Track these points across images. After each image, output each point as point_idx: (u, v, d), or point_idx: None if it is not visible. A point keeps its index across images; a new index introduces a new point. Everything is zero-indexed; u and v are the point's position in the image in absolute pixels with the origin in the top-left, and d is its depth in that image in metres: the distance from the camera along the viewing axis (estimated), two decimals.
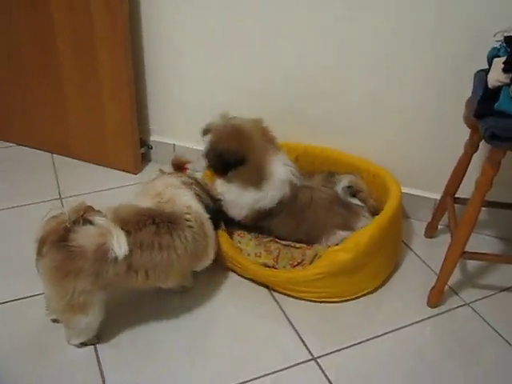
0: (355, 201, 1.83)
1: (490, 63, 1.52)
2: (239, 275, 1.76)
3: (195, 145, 2.25)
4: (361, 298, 1.70)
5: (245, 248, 1.81)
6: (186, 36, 2.07)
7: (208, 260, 1.63)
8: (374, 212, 1.82)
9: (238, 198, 1.77)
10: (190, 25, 2.04)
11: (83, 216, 1.36)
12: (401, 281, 1.79)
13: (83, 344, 1.51)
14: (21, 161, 2.38)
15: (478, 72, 1.60)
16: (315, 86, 1.98)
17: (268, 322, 1.62)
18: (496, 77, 1.42)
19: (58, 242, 1.33)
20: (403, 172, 1.94)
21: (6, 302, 1.64)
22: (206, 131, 1.78)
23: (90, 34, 2.04)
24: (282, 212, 1.76)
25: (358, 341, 1.57)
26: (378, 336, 1.58)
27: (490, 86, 1.44)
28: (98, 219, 1.37)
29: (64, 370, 1.45)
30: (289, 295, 1.69)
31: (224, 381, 1.43)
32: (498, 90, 1.41)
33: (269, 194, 1.74)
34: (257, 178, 1.72)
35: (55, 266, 1.34)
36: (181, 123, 2.27)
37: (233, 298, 1.69)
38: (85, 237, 1.34)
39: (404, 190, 1.88)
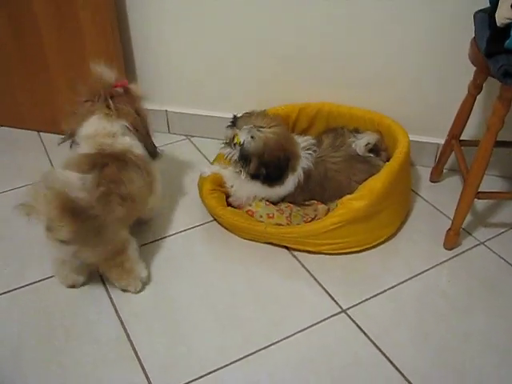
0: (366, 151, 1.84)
1: (491, 2, 1.52)
2: (257, 241, 1.76)
3: (189, 109, 2.22)
4: (378, 247, 1.72)
5: (256, 210, 1.78)
6: None
7: (157, 197, 1.72)
8: (387, 160, 1.83)
9: (255, 193, 1.79)
10: None
11: None
12: (414, 226, 1.81)
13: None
14: (7, 142, 2.29)
15: (477, 12, 1.60)
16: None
17: (292, 280, 1.63)
18: (504, 14, 1.41)
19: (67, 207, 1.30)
20: (404, 118, 1.92)
21: (21, 287, 1.61)
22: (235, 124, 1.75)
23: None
24: (297, 191, 1.77)
25: (384, 288, 1.59)
26: (402, 282, 1.60)
27: (498, 24, 1.43)
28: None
29: (94, 349, 1.44)
30: (308, 251, 1.70)
31: (255, 343, 1.44)
32: (506, 28, 1.41)
33: (289, 185, 1.75)
34: (286, 175, 1.74)
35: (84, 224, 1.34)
36: (171, 87, 2.21)
37: (254, 262, 1.69)
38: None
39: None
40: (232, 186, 1.82)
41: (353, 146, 1.83)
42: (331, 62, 1.96)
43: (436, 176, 1.98)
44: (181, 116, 2.23)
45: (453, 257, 1.69)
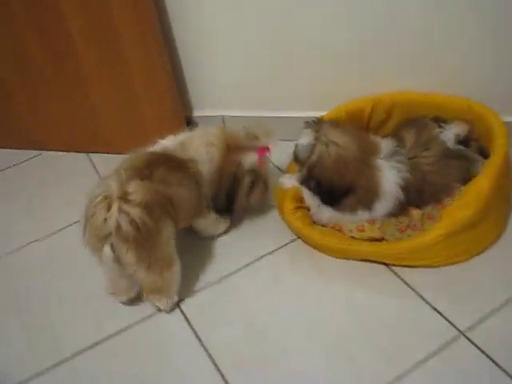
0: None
1: None
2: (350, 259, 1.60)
3: (248, 112, 2.05)
4: (485, 252, 1.54)
5: (344, 223, 1.63)
6: None
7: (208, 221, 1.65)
8: (482, 153, 1.65)
9: (334, 218, 1.62)
10: None
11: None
12: None
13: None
14: (57, 167, 2.17)
15: None
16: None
17: (396, 300, 1.47)
18: None
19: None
20: (493, 99, 1.71)
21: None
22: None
23: (106, 14, 1.78)
24: (395, 209, 1.59)
25: (502, 301, 1.42)
26: None
27: None
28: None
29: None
30: (407, 266, 1.53)
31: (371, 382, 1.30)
32: None
33: (380, 209, 1.57)
34: (366, 201, 1.55)
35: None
36: (225, 91, 2.04)
37: (351, 283, 1.54)
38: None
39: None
40: (309, 206, 1.66)
41: (441, 138, 1.65)
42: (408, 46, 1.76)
43: None
44: (239, 119, 2.06)
45: None
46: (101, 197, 1.29)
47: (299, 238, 1.68)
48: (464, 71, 1.76)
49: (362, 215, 1.59)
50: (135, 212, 1.27)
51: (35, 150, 2.25)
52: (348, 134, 1.54)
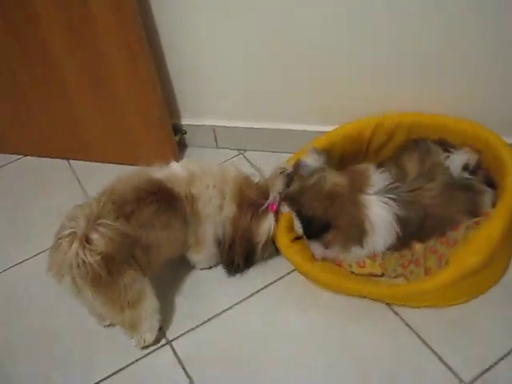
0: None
1: None
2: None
3: (239, 123, 1.93)
4: (488, 292, 1.48)
5: (343, 257, 1.56)
6: None
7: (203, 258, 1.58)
8: (489, 183, 1.58)
9: (325, 253, 1.54)
10: None
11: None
12: None
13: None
14: (37, 173, 2.06)
15: None
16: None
17: (398, 345, 1.40)
18: None
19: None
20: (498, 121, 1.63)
21: None
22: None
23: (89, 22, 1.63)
24: (392, 244, 1.50)
25: (507, 350, 1.37)
26: None
27: None
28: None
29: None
30: (409, 306, 1.47)
31: None
32: None
33: (375, 244, 1.48)
34: (354, 238, 1.46)
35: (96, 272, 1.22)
36: (216, 100, 1.91)
37: (350, 323, 1.47)
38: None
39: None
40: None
41: (446, 164, 1.56)
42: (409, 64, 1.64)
43: None
44: (229, 130, 1.95)
45: None
46: (67, 231, 1.23)
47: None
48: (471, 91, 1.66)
49: (357, 252, 1.51)
50: (92, 260, 1.20)
51: (15, 154, 2.14)
52: (345, 172, 1.51)
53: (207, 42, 1.75)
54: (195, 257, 1.56)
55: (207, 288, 1.60)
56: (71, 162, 2.07)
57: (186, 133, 2.00)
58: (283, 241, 1.55)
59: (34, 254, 1.76)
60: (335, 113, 1.77)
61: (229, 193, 1.49)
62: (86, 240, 1.21)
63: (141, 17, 1.65)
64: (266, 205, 1.50)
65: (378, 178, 1.50)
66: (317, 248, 1.54)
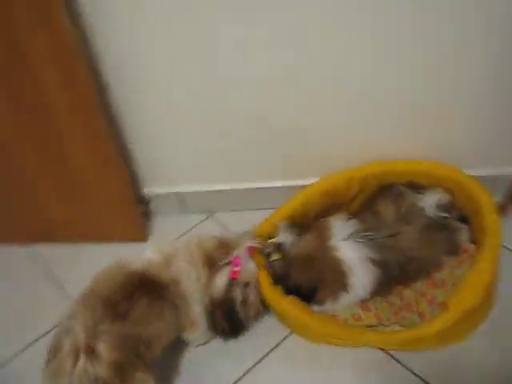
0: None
1: None
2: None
3: (204, 185, 1.90)
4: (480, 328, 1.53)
5: (339, 314, 1.56)
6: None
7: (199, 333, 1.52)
8: (463, 220, 1.65)
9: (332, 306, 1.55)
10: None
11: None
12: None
13: None
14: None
15: None
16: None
17: None
18: None
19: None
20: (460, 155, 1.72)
21: None
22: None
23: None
24: (375, 289, 1.53)
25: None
26: None
27: None
28: None
29: None
30: (407, 350, 1.50)
31: None
32: None
33: (358, 286, 1.50)
34: (338, 284, 1.50)
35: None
36: (177, 165, 1.85)
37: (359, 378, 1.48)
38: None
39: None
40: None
41: (420, 205, 1.62)
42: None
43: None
44: (195, 194, 1.91)
45: None
46: (68, 347, 1.18)
47: (292, 330, 1.59)
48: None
49: (345, 298, 1.52)
50: (104, 374, 1.16)
51: None
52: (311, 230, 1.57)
53: (160, 109, 1.70)
54: (191, 336, 1.51)
55: (204, 366, 1.55)
56: (34, 246, 1.95)
57: (149, 202, 1.94)
58: (274, 298, 1.52)
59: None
60: (302, 168, 1.80)
61: (198, 261, 1.46)
62: (92, 352, 1.16)
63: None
64: (226, 261, 1.47)
65: (340, 228, 1.54)
66: (314, 307, 1.54)
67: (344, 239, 1.51)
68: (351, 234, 1.52)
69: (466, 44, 1.48)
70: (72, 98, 1.53)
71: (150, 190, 1.92)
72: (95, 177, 1.72)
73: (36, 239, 1.94)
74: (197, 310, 1.44)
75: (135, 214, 1.84)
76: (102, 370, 1.16)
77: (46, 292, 1.79)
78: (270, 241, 1.56)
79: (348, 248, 1.50)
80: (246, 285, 1.49)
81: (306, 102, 1.63)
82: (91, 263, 1.81)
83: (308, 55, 1.52)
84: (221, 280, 1.43)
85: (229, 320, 1.47)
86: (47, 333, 1.64)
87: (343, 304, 1.54)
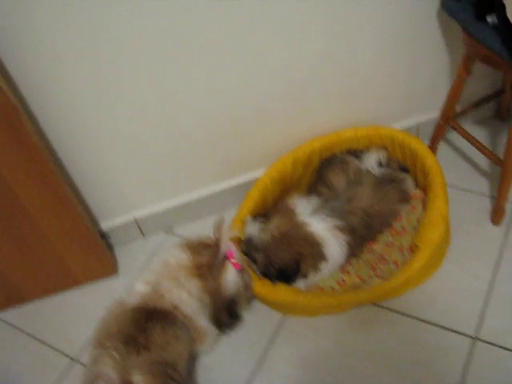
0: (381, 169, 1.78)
1: None
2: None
3: (161, 203, 1.93)
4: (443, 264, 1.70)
5: (324, 285, 1.68)
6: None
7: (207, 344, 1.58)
8: (403, 169, 1.81)
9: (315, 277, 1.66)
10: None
11: None
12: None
13: None
14: None
15: None
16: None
17: (412, 332, 1.57)
18: None
19: None
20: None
21: None
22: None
23: None
24: (349, 251, 1.66)
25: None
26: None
27: None
28: None
29: None
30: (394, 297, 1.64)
31: None
32: None
33: (335, 254, 1.63)
34: (317, 255, 1.61)
35: None
36: (128, 191, 1.86)
37: (360, 332, 1.59)
38: None
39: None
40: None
41: (364, 167, 1.77)
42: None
43: None
44: (149, 216, 1.94)
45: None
46: None
47: (288, 313, 1.68)
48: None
49: (326, 267, 1.64)
50: None
51: None
52: (276, 213, 1.65)
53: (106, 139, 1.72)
54: (203, 346, 1.55)
55: (220, 368, 1.60)
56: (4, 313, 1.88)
57: (108, 236, 1.94)
58: (266, 291, 1.60)
59: None
60: (244, 163, 1.90)
61: (184, 279, 1.48)
62: None
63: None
64: (223, 255, 1.50)
65: (302, 206, 1.67)
66: (300, 283, 1.65)
67: (310, 215, 1.63)
68: (314, 209, 1.65)
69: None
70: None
71: (106, 223, 1.92)
72: (47, 220, 1.68)
73: (3, 306, 1.88)
74: (202, 322, 1.49)
75: (101, 249, 1.83)
76: None
77: (33, 356, 1.74)
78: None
79: (316, 222, 1.62)
80: (244, 271, 1.55)
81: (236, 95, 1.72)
82: (68, 312, 1.82)
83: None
84: (231, 275, 1.48)
85: (230, 312, 1.53)
86: None
87: (325, 272, 1.66)
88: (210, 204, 1.95)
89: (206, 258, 1.49)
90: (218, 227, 1.54)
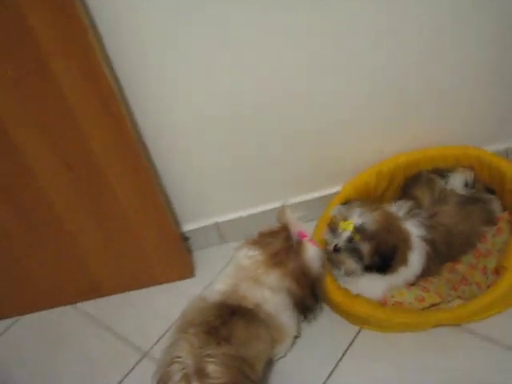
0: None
1: None
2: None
3: (241, 212, 1.96)
4: None
5: (403, 299, 1.63)
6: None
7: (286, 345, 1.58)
8: (489, 191, 1.78)
9: (384, 287, 1.65)
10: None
11: None
12: None
13: None
14: (45, 328, 1.91)
15: None
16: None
17: (487, 359, 1.50)
18: None
19: None
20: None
21: None
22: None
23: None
24: (428, 263, 1.63)
25: None
26: None
27: None
28: None
29: None
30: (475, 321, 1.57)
31: None
32: None
33: (414, 263, 1.60)
34: (403, 257, 1.58)
35: None
36: (211, 194, 1.91)
37: (439, 354, 1.53)
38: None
39: None
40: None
41: (450, 187, 1.74)
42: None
43: None
44: (232, 222, 1.98)
45: None
46: (177, 376, 1.19)
47: (361, 326, 1.65)
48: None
49: (402, 272, 1.60)
50: None
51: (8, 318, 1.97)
52: (371, 203, 1.64)
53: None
54: (281, 347, 1.55)
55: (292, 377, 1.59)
56: (78, 305, 1.96)
57: (188, 238, 1.99)
58: (344, 301, 1.61)
59: None
60: (333, 174, 1.90)
61: (258, 273, 1.46)
62: (204, 375, 1.17)
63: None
64: (297, 236, 1.47)
65: (397, 207, 1.65)
66: (380, 284, 1.63)
67: (405, 218, 1.62)
68: (407, 212, 1.64)
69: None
70: (113, 139, 1.60)
71: (188, 225, 1.97)
72: (137, 218, 1.77)
73: (81, 297, 1.96)
74: (285, 319, 1.49)
75: (181, 251, 1.89)
76: None
77: (109, 346, 1.80)
78: (348, 222, 1.55)
79: (410, 223, 1.61)
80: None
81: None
82: (145, 309, 1.86)
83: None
84: (312, 252, 1.48)
85: (314, 293, 1.52)
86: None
87: (399, 280, 1.63)
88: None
89: (278, 244, 1.46)
90: (282, 212, 1.51)
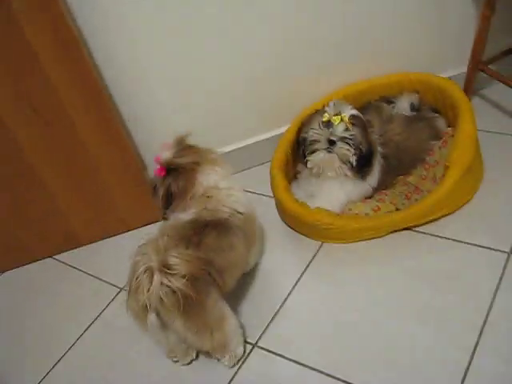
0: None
1: None
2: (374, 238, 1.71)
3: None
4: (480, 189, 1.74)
5: (359, 210, 1.74)
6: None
7: (256, 253, 1.69)
8: (434, 110, 1.90)
9: (354, 194, 1.77)
10: None
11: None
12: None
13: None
14: (29, 282, 1.97)
15: None
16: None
17: (450, 252, 1.61)
18: None
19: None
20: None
21: None
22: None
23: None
24: (383, 176, 1.76)
25: None
26: None
27: None
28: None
29: None
30: (429, 222, 1.68)
31: None
32: None
33: (375, 173, 1.74)
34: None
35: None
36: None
37: (398, 256, 1.64)
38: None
39: None
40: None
41: (397, 111, 1.87)
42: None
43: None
44: None
45: None
46: (142, 268, 1.25)
47: (323, 241, 1.75)
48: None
49: (371, 180, 1.74)
50: (177, 285, 1.23)
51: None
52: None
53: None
54: (253, 253, 1.65)
55: (259, 285, 1.69)
56: (56, 257, 2.03)
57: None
58: (304, 212, 1.71)
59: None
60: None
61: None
62: (166, 267, 1.23)
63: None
64: None
65: None
66: (340, 196, 1.75)
67: None
68: None
69: None
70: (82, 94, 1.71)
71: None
72: (104, 162, 1.85)
73: (57, 249, 2.03)
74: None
75: (148, 194, 1.95)
76: (177, 282, 1.22)
77: (87, 287, 1.87)
78: (343, 115, 1.64)
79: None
80: None
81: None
82: (117, 252, 1.95)
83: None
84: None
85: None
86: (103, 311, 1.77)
87: (365, 187, 1.77)
88: (253, 154, 2.08)
89: None
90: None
